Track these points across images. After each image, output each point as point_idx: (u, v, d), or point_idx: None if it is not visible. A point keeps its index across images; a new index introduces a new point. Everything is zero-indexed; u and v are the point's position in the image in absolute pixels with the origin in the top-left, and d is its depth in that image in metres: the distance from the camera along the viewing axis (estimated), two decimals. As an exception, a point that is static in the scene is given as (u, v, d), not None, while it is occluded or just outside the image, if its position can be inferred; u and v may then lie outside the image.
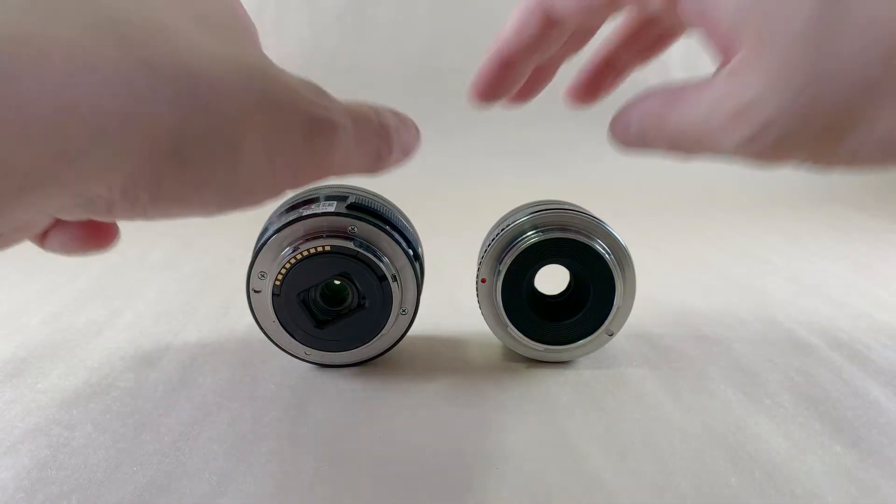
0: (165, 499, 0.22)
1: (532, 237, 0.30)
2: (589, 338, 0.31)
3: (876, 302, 0.42)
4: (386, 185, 0.33)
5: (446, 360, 0.33)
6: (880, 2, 0.17)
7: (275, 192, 0.20)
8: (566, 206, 0.31)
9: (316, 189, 0.31)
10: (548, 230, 0.30)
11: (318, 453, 0.25)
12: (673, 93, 0.23)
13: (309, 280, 0.29)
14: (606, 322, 0.30)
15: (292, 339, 0.30)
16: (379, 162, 0.24)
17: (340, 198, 0.30)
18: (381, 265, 0.28)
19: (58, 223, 0.25)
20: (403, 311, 0.31)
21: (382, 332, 0.30)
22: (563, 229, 0.30)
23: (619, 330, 0.31)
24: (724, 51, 0.21)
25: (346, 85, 0.94)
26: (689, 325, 0.38)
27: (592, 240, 0.29)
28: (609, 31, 0.30)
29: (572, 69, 0.30)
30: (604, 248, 0.29)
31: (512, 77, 0.28)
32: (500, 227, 0.32)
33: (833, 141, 0.19)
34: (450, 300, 0.41)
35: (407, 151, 0.25)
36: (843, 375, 0.31)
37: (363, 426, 0.27)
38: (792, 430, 0.26)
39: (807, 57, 0.18)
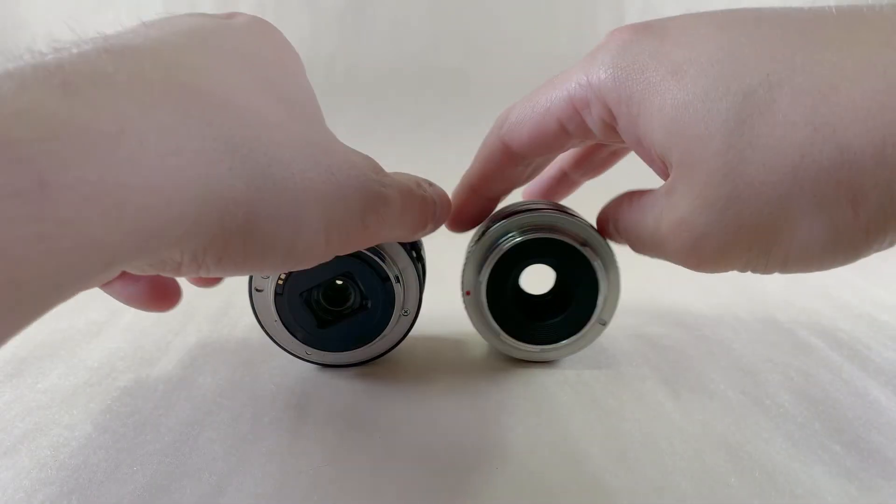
0: (165, 499, 0.22)
1: (509, 240, 0.30)
2: (581, 332, 0.31)
3: (876, 302, 0.42)
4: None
5: (447, 360, 0.33)
6: (784, 127, 0.19)
7: (325, 259, 0.21)
8: (533, 206, 0.31)
9: None
10: (525, 231, 0.30)
11: (318, 453, 0.25)
12: (635, 198, 0.25)
13: (311, 279, 0.29)
14: (596, 314, 0.30)
15: (294, 339, 0.30)
16: (415, 234, 0.26)
17: None
18: (383, 266, 0.28)
19: (124, 275, 0.25)
20: (405, 312, 0.31)
21: (384, 332, 0.30)
22: (537, 229, 0.30)
23: (610, 319, 0.31)
24: (661, 171, 0.23)
25: (346, 85, 0.94)
26: (689, 325, 0.38)
27: (562, 233, 0.29)
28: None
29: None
30: (576, 240, 0.29)
31: (481, 206, 0.31)
32: (477, 236, 0.32)
33: (762, 251, 0.21)
34: (450, 300, 0.41)
35: (439, 224, 0.28)
36: (843, 375, 0.31)
37: (363, 427, 0.27)
38: (792, 431, 0.26)
39: (724, 179, 0.20)
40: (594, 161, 0.34)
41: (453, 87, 0.93)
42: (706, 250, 0.21)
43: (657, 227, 0.23)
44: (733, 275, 0.23)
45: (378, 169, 0.22)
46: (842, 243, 0.20)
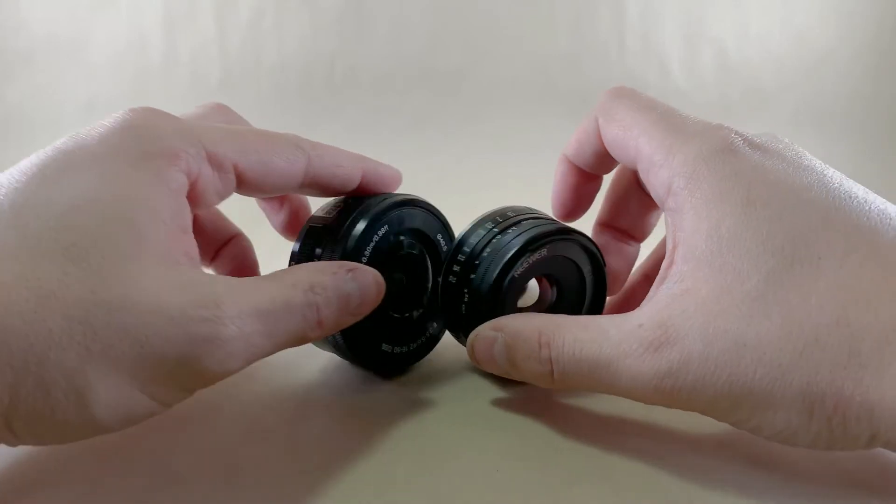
0: (163, 500, 0.22)
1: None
2: None
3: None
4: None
5: (447, 362, 0.33)
6: (814, 303, 0.19)
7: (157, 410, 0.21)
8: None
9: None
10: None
11: (317, 455, 0.25)
12: (581, 321, 0.24)
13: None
14: None
15: None
16: (302, 341, 0.23)
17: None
18: None
19: None
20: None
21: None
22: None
23: None
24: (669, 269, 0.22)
25: (346, 85, 0.94)
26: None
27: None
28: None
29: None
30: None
31: (576, 180, 0.30)
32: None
33: (726, 411, 0.20)
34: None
35: (352, 308, 0.25)
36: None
37: (362, 429, 0.27)
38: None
39: (739, 323, 0.19)
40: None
41: (453, 87, 0.93)
42: (686, 378, 0.20)
43: (621, 342, 0.22)
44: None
45: (208, 302, 0.20)
46: (787, 441, 0.20)
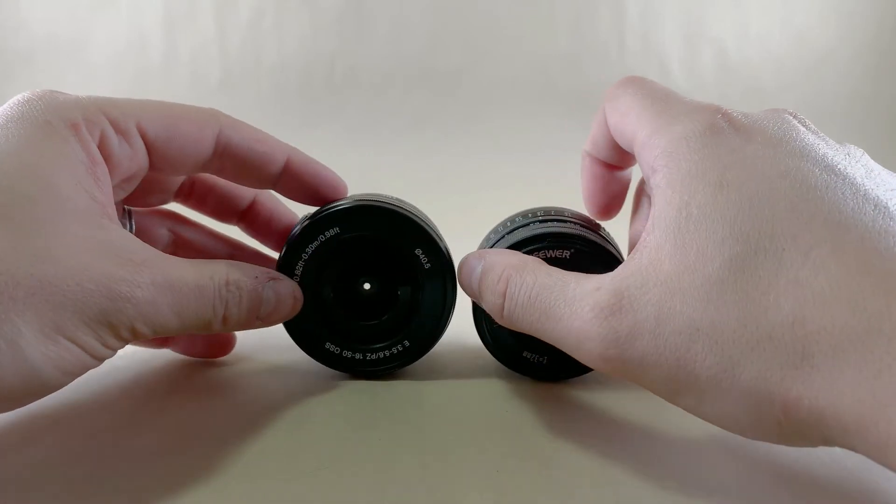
0: (161, 500, 0.22)
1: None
2: None
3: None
4: (385, 186, 0.33)
5: (448, 361, 0.33)
6: (775, 294, 0.18)
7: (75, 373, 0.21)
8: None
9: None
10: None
11: (315, 455, 0.25)
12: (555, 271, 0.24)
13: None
14: None
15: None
16: (207, 330, 0.24)
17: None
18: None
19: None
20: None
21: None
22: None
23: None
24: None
25: (345, 85, 0.94)
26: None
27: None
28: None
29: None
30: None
31: (599, 173, 0.30)
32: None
33: (672, 393, 0.20)
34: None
35: (262, 314, 0.26)
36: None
37: (361, 429, 0.27)
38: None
39: (695, 305, 0.19)
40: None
41: (453, 87, 0.93)
42: (635, 348, 0.20)
43: (576, 301, 0.22)
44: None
45: (126, 263, 0.21)
46: (737, 432, 0.20)
